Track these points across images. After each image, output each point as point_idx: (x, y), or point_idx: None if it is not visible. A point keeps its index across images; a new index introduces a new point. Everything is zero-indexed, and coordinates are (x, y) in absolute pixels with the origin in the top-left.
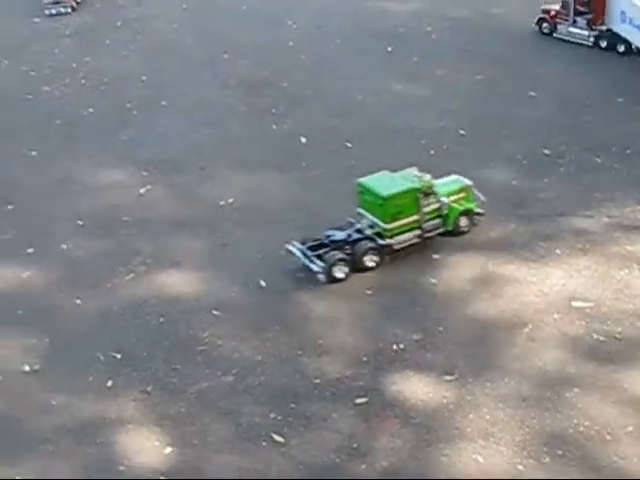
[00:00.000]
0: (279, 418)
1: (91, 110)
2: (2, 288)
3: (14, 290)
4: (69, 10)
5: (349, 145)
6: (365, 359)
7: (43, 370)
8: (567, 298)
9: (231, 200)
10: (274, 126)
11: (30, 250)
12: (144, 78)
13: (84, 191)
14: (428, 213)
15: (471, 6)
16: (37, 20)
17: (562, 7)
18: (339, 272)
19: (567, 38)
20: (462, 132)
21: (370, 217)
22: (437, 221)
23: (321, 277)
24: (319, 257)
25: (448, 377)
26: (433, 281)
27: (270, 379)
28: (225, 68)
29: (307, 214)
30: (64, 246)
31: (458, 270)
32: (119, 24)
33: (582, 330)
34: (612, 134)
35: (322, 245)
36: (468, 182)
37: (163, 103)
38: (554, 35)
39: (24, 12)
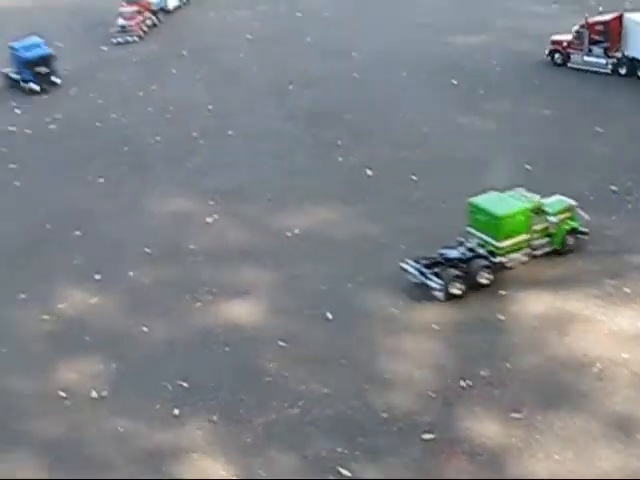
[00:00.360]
0: (346, 452)
1: (158, 138)
2: (70, 314)
3: (82, 316)
4: (136, 39)
5: (414, 178)
6: (432, 394)
7: (110, 396)
8: (636, 337)
9: (297, 231)
10: (340, 158)
11: (98, 276)
12: (210, 107)
13: (151, 219)
14: (537, 232)
15: (534, 40)
16: (105, 48)
17: (576, 37)
18: (455, 289)
19: (583, 67)
20: (528, 167)
21: (481, 236)
22: (545, 240)
23: (438, 294)
24: (435, 275)
25: (516, 415)
26: (500, 317)
27: (337, 412)
28: (290, 99)
29: (373, 247)
30: (131, 273)
31: (525, 306)
32: (185, 53)
33: None
34: None
35: (436, 263)
36: (572, 202)
37: (229, 132)
38: (568, 65)
39: (92, 40)
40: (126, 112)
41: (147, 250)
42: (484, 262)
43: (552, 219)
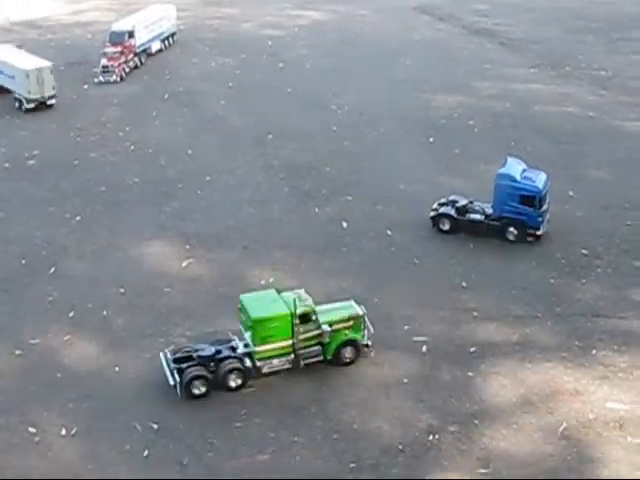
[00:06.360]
0: None
1: (136, 179)
2: (43, 350)
3: (54, 352)
4: (117, 79)
5: (389, 232)
6: (401, 447)
7: (80, 435)
8: (602, 399)
9: (271, 280)
10: (316, 209)
11: (71, 314)
12: (189, 151)
13: (127, 259)
14: (307, 339)
15: (514, 101)
16: (86, 87)
17: None
18: (196, 389)
19: None
20: None
21: (247, 335)
22: (317, 348)
23: (178, 392)
24: (179, 371)
25: (483, 470)
26: (469, 374)
27: (306, 460)
28: (269, 148)
29: (347, 299)
30: (105, 312)
31: (495, 365)
32: (166, 96)
33: (616, 432)
34: None
35: (188, 358)
36: (360, 311)
37: (207, 178)
38: None
39: (74, 79)
40: (105, 152)
41: (122, 290)
42: (235, 365)
43: (325, 327)
